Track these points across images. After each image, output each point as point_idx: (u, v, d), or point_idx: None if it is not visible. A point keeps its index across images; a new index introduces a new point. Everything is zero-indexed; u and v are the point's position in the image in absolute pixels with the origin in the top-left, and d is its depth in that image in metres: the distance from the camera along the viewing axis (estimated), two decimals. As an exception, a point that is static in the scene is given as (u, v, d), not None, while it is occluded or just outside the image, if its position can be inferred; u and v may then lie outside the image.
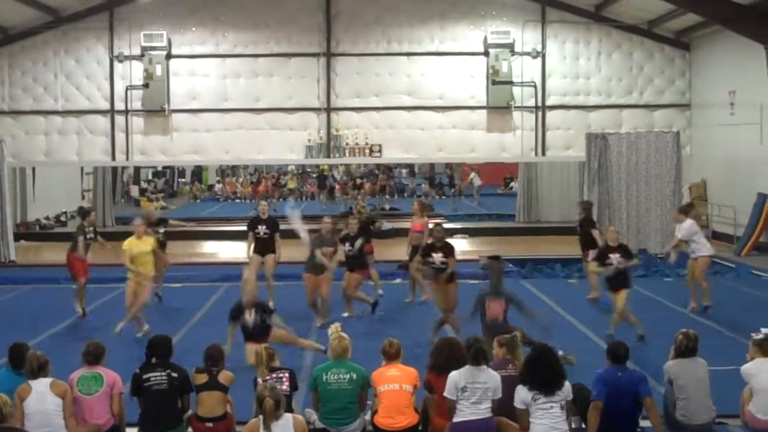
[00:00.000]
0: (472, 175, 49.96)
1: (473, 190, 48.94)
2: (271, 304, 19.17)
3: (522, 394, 10.10)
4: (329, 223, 19.10)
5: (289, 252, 20.53)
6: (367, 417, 11.05)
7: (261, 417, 9.45)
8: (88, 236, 19.30)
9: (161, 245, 19.77)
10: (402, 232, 34.02)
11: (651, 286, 21.85)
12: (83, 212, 20.68)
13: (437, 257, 16.37)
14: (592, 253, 19.01)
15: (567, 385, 10.17)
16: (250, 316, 14.81)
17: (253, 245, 20.00)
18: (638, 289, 19.17)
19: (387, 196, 49.18)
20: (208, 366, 11.01)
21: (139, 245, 17.68)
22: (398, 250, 29.06)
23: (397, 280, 24.45)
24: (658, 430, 10.58)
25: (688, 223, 18.85)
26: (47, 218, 37.64)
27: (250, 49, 29.60)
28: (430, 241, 17.12)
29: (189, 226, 29.42)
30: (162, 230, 20.55)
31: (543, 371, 10.14)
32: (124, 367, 11.49)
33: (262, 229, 19.93)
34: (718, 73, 28.76)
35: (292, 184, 53.49)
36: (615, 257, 16.87)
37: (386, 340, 11.35)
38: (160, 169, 57.00)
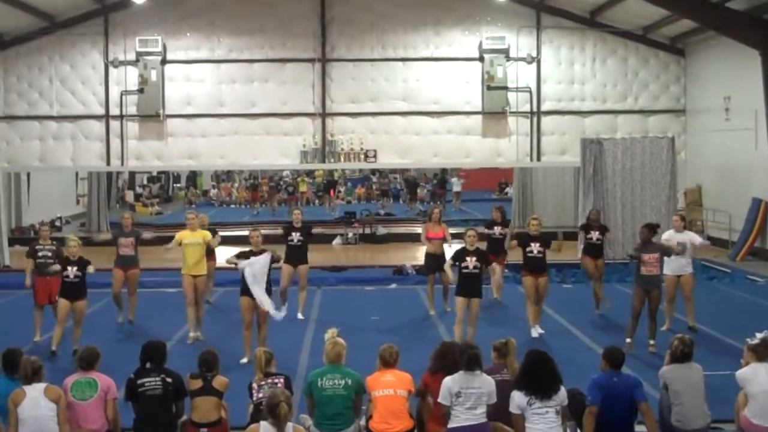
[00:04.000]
0: (454, 180, 50.07)
1: (452, 195, 49.07)
2: (300, 316, 19.30)
3: (517, 399, 10.08)
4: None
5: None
6: (362, 422, 11.03)
7: (264, 422, 9.37)
8: (40, 254, 18.03)
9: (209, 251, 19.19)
10: (397, 238, 34.36)
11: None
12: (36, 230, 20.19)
13: (471, 262, 16.05)
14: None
15: (562, 390, 10.15)
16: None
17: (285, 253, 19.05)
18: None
19: (382, 202, 49.15)
20: (203, 371, 10.98)
21: (192, 237, 17.76)
22: (394, 255, 29.19)
23: (392, 285, 24.45)
24: (653, 435, 10.56)
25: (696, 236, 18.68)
26: (42, 223, 37.54)
27: (245, 55, 29.61)
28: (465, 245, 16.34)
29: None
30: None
31: (539, 376, 10.11)
32: (120, 372, 11.48)
33: (296, 236, 19.46)
34: (713, 79, 28.80)
35: (303, 187, 52.77)
36: (535, 246, 17.55)
37: (385, 345, 11.31)
38: (155, 174, 57.06)
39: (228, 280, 21.56)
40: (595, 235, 19.92)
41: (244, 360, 15.13)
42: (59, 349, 16.15)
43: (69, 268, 16.39)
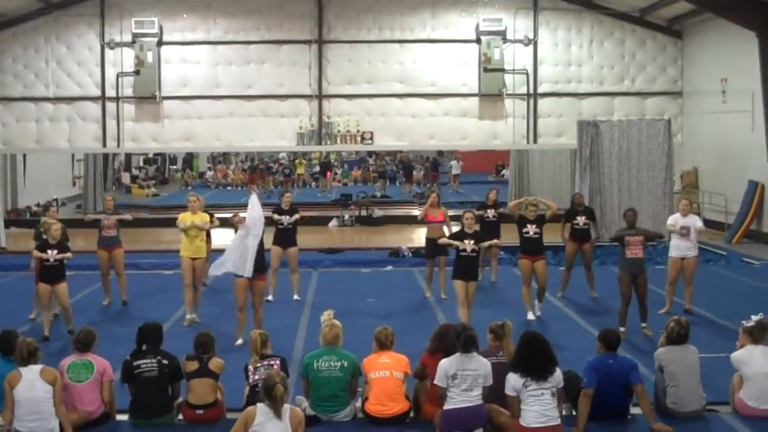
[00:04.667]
0: (452, 162, 50.07)
1: (449, 177, 49.04)
2: (296, 297, 19.29)
3: (513, 381, 10.08)
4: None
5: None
6: (358, 404, 11.05)
7: (261, 404, 9.39)
8: (44, 236, 17.74)
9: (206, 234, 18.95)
10: (393, 220, 34.35)
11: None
12: (45, 208, 20.14)
13: (469, 244, 15.94)
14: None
15: (558, 372, 10.16)
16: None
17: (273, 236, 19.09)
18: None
19: (378, 184, 49.12)
20: (199, 353, 11.00)
21: (193, 219, 17.82)
22: (390, 238, 29.20)
23: (389, 267, 24.46)
24: (648, 417, 10.57)
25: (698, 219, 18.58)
26: (38, 205, 37.58)
27: (241, 36, 29.54)
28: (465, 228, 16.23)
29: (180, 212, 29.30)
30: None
31: (534, 358, 10.11)
32: (115, 353, 11.50)
33: (285, 219, 19.28)
34: (710, 61, 28.77)
35: (300, 169, 52.53)
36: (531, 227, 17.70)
37: (380, 327, 11.32)
38: (151, 156, 56.98)
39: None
40: (581, 219, 19.71)
41: (239, 342, 15.12)
42: (51, 333, 16.12)
43: (49, 251, 16.32)
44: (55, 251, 16.29)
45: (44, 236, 16.90)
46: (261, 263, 15.64)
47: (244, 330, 15.17)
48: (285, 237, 19.23)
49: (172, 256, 21.07)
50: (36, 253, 16.64)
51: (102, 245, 19.49)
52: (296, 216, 19.36)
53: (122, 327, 16.13)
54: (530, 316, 17.42)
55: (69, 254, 16.52)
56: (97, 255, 19.55)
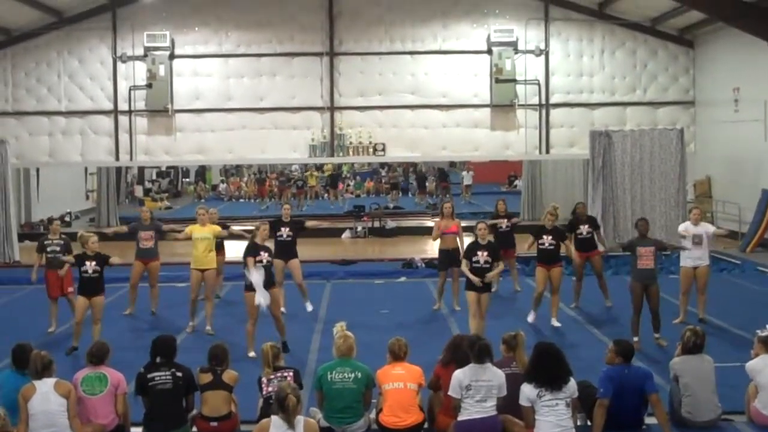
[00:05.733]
0: (464, 173, 50.04)
1: (462, 188, 49.01)
2: (308, 306, 19.29)
3: (527, 392, 10.07)
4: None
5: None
6: (372, 416, 11.04)
7: (275, 416, 9.38)
8: (49, 249, 18.22)
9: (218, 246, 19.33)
10: (406, 231, 34.36)
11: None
12: (48, 222, 20.31)
13: (482, 256, 15.88)
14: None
15: (572, 382, 10.15)
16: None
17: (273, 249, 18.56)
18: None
19: (391, 195, 49.10)
20: (213, 365, 11.01)
21: (202, 231, 17.99)
22: (402, 249, 29.21)
23: (402, 279, 24.46)
24: (663, 427, 10.55)
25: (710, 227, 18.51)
26: (52, 218, 37.61)
27: (253, 49, 29.58)
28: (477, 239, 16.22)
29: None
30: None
31: (548, 367, 10.11)
32: (130, 366, 11.50)
33: (285, 231, 19.27)
34: (722, 70, 28.72)
35: (312, 181, 52.62)
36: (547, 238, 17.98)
37: (394, 338, 11.31)
38: (164, 169, 57.11)
39: (237, 274, 21.54)
40: (584, 229, 19.71)
41: (252, 354, 15.13)
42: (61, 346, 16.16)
43: (87, 263, 16.22)
44: (94, 263, 16.21)
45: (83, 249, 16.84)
46: (269, 278, 15.80)
47: (254, 341, 15.32)
48: (285, 250, 19.15)
49: (185, 269, 21.08)
50: (69, 258, 16.83)
51: (139, 257, 19.78)
52: (293, 235, 19.38)
53: (141, 338, 16.18)
54: (530, 318, 17.76)
55: (116, 259, 16.46)
56: (132, 266, 19.79)
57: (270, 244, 16.64)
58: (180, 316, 18.92)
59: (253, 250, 15.82)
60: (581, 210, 20.43)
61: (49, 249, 18.19)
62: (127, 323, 18.98)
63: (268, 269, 15.66)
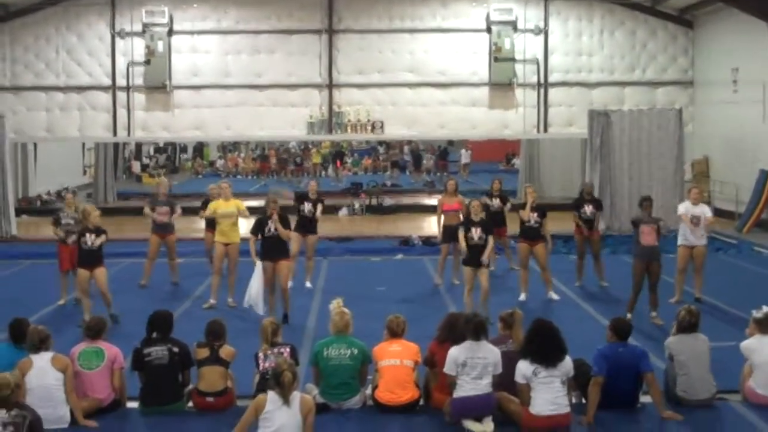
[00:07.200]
0: (462, 151, 50.05)
1: (459, 166, 49.01)
2: (308, 284, 19.41)
3: (523, 368, 10.10)
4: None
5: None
6: (368, 392, 11.07)
7: (271, 392, 9.41)
8: (63, 222, 18.23)
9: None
10: (404, 208, 34.39)
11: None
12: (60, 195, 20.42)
13: (476, 232, 16.12)
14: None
15: (568, 360, 10.17)
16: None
17: (295, 222, 19.05)
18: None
19: (390, 173, 49.08)
20: (210, 341, 11.04)
21: (226, 206, 18.13)
22: (401, 226, 29.25)
23: (399, 256, 24.49)
24: (658, 405, 10.59)
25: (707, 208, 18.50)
26: (48, 193, 37.71)
27: (251, 26, 29.52)
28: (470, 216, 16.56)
29: (191, 201, 29.36)
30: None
31: (543, 343, 10.13)
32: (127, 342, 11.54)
33: (307, 206, 19.45)
34: (722, 51, 28.69)
35: (317, 159, 52.51)
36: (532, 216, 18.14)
37: (392, 315, 11.34)
38: (161, 145, 57.11)
39: (244, 249, 21.48)
40: (588, 209, 19.79)
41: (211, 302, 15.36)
42: (67, 320, 16.21)
43: (87, 234, 16.45)
44: (94, 236, 16.43)
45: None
46: (284, 248, 16.51)
47: (274, 309, 16.07)
48: (306, 225, 19.39)
49: (180, 245, 21.09)
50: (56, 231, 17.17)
51: (156, 231, 20.00)
52: (320, 207, 19.55)
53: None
54: (522, 297, 17.92)
55: (104, 237, 16.60)
56: (149, 240, 20.09)
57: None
58: (197, 285, 19.45)
59: (260, 224, 16.46)
60: (588, 189, 20.56)
61: (63, 222, 18.27)
62: (147, 293, 19.12)
63: (276, 239, 16.28)
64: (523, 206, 18.57)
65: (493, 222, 18.54)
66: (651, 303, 16.12)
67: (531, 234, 18.10)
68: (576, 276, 19.83)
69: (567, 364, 10.15)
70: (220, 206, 18.17)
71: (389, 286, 19.94)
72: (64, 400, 10.26)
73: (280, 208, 16.56)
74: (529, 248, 18.08)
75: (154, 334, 11.07)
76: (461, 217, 19.54)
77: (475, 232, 16.04)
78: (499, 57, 28.90)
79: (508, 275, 20.99)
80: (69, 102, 29.40)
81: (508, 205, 21.35)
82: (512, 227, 20.61)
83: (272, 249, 16.47)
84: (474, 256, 16.08)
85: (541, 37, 29.52)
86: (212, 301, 17.69)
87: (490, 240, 16.28)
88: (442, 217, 20.04)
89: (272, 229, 16.32)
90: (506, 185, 22.50)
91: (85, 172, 45.69)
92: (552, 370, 10.02)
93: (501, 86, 29.23)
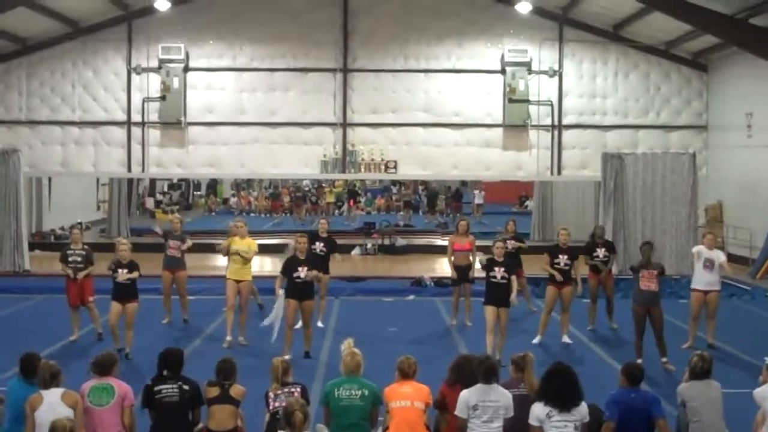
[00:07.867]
0: (475, 192, 50.08)
1: (472, 207, 49.03)
2: (320, 324, 19.45)
3: (537, 411, 10.03)
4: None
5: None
6: (378, 433, 11.03)
7: (281, 431, 9.38)
8: (71, 259, 18.35)
9: None
10: (416, 249, 34.33)
11: (666, 308, 21.70)
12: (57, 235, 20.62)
13: (499, 272, 16.30)
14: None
15: (584, 406, 10.09)
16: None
17: None
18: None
19: (403, 213, 49.06)
20: (220, 379, 10.99)
21: (241, 243, 18.40)
22: (412, 267, 29.18)
23: (411, 297, 24.45)
24: (670, 452, 10.53)
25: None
26: (62, 228, 37.73)
27: (267, 63, 29.63)
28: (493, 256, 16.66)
29: (204, 238, 29.32)
30: None
31: (560, 387, 10.07)
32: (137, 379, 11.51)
33: (319, 246, 19.75)
34: (736, 95, 28.69)
35: (330, 198, 52.58)
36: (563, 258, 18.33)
37: (403, 356, 11.29)
38: (175, 181, 57.22)
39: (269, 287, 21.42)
40: (601, 252, 19.79)
41: (287, 357, 15.23)
42: (82, 354, 16.22)
43: (120, 270, 16.79)
44: (125, 270, 16.77)
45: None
46: (311, 290, 16.91)
47: (291, 347, 16.46)
48: (318, 264, 19.11)
49: (193, 282, 21.11)
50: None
51: (166, 266, 20.21)
52: (338, 257, 20.41)
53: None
54: (536, 340, 17.97)
55: (137, 273, 16.98)
56: (162, 276, 20.23)
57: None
58: (209, 323, 19.61)
59: (291, 265, 16.80)
60: (600, 233, 20.52)
61: (70, 259, 18.38)
62: (163, 330, 19.32)
63: (305, 283, 16.73)
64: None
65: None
66: (659, 350, 16.09)
67: (561, 277, 18.10)
68: (588, 320, 19.79)
69: (582, 409, 10.07)
70: (235, 243, 18.39)
71: (401, 326, 19.93)
72: (73, 437, 10.22)
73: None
74: (557, 292, 18.07)
75: (165, 372, 11.05)
76: (470, 258, 19.62)
77: (499, 272, 16.20)
78: (513, 98, 28.97)
79: (526, 319, 20.89)
80: (84, 137, 29.51)
81: (525, 245, 21.36)
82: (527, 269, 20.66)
83: (299, 291, 16.78)
84: (496, 296, 16.14)
85: (556, 78, 29.58)
86: (229, 338, 17.76)
87: (513, 280, 16.34)
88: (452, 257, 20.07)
89: (302, 276, 16.65)
90: (519, 227, 22.49)
91: (98, 208, 45.78)
92: (566, 414, 9.94)
93: (515, 128, 29.28)
